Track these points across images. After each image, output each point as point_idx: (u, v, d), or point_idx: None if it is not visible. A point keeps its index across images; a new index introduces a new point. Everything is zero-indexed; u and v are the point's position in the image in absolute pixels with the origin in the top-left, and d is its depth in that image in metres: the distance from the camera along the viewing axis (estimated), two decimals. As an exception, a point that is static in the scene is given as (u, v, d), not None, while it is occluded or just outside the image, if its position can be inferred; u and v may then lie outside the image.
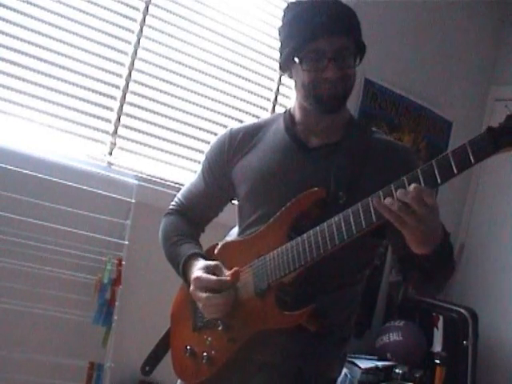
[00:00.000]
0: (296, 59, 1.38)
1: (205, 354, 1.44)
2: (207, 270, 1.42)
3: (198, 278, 1.40)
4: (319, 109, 1.40)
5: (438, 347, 3.16)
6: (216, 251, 1.52)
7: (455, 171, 1.10)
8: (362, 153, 1.41)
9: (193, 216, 1.64)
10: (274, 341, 1.37)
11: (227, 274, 1.40)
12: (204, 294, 1.38)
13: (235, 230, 1.59)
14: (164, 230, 1.63)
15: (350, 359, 2.92)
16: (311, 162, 1.42)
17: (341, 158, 1.40)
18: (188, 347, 1.49)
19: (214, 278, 1.39)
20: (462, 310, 3.23)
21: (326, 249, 1.26)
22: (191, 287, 1.42)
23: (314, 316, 1.30)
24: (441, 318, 3.22)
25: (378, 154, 1.42)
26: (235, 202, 1.60)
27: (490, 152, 1.08)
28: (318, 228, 1.27)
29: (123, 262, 2.44)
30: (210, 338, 1.45)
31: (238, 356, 1.40)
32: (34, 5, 2.32)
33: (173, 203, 1.68)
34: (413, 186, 1.13)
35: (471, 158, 1.08)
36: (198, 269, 1.43)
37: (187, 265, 1.48)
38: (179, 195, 1.68)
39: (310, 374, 1.40)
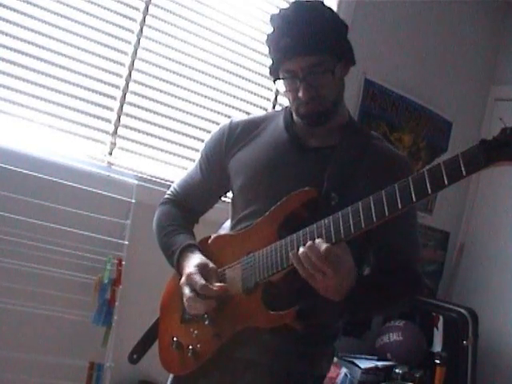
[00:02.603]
0: (275, 80, 1.45)
1: (190, 347, 1.45)
2: (201, 270, 1.42)
3: (189, 275, 1.41)
4: (305, 123, 1.45)
5: (438, 347, 3.16)
6: (209, 243, 1.53)
7: (446, 182, 1.10)
8: (358, 157, 1.42)
9: (188, 206, 1.65)
10: (261, 339, 1.38)
11: (216, 285, 1.39)
12: (189, 293, 1.39)
13: (228, 224, 1.60)
14: (158, 219, 1.64)
15: (349, 359, 2.92)
16: (306, 161, 1.43)
17: (336, 160, 1.41)
18: (174, 339, 1.50)
19: (202, 282, 1.38)
20: (462, 310, 3.23)
21: None
22: (182, 279, 1.43)
23: (299, 317, 1.30)
24: (441, 318, 3.21)
25: (373, 160, 1.42)
26: (227, 198, 1.61)
27: (482, 166, 1.07)
28: (307, 229, 1.27)
29: (123, 262, 2.44)
30: (196, 332, 1.46)
31: (223, 352, 1.40)
32: (34, 5, 2.32)
33: (168, 192, 1.69)
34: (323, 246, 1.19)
35: (463, 170, 1.08)
36: (194, 265, 1.43)
37: (182, 256, 1.49)
38: (175, 185, 1.69)
39: (298, 373, 1.41)
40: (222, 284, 1.40)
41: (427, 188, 1.12)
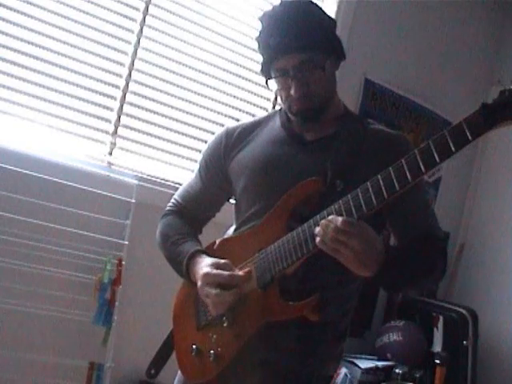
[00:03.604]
0: (267, 79, 1.45)
1: (211, 351, 1.43)
2: (217, 266, 1.41)
3: (208, 274, 1.39)
4: (298, 120, 1.45)
5: (438, 347, 3.16)
6: (215, 247, 1.52)
7: (453, 149, 1.11)
8: (358, 142, 1.43)
9: (190, 216, 1.64)
10: (271, 338, 1.37)
11: (240, 272, 1.39)
12: (214, 290, 1.37)
13: (231, 230, 1.59)
14: (162, 231, 1.62)
15: (349, 359, 2.92)
16: (307, 154, 1.44)
17: (337, 148, 1.42)
18: (194, 346, 1.48)
19: (226, 273, 1.38)
20: (462, 310, 3.23)
21: None
22: (199, 283, 1.41)
23: (318, 306, 1.30)
24: (441, 318, 3.22)
25: (372, 143, 1.43)
26: (232, 201, 1.60)
27: (486, 128, 1.09)
28: (318, 216, 1.27)
29: (123, 262, 2.44)
30: (215, 336, 1.44)
31: (243, 352, 1.39)
32: (34, 5, 2.32)
33: (169, 204, 1.68)
34: (339, 219, 1.18)
35: (468, 135, 1.10)
36: (207, 265, 1.42)
37: (191, 262, 1.48)
38: (176, 196, 1.68)
39: (306, 372, 1.41)
40: (247, 269, 1.39)
41: (435, 157, 1.12)
